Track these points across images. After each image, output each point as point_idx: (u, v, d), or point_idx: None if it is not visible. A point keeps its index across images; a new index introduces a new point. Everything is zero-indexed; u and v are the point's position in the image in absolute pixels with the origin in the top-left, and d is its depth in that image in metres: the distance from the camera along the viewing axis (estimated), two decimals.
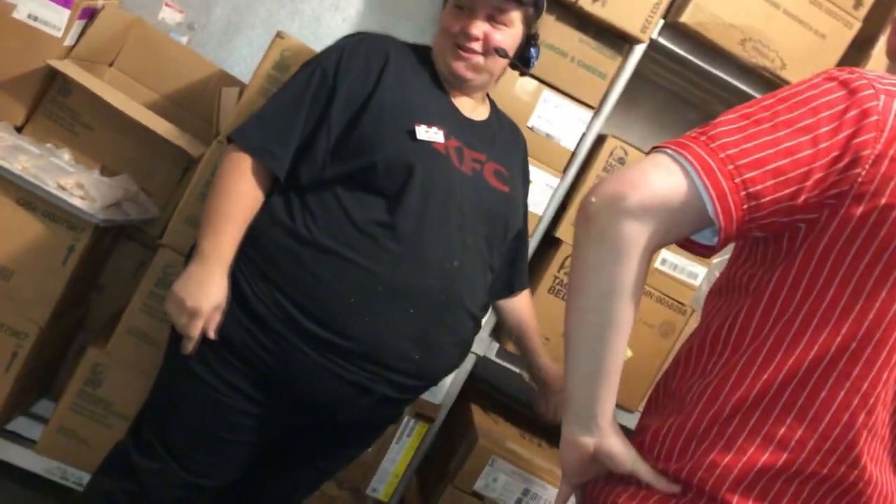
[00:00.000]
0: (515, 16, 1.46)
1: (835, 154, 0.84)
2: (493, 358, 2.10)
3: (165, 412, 1.39)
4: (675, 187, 0.85)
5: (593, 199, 0.87)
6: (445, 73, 1.49)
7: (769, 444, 0.87)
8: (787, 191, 0.84)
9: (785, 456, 0.87)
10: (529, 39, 1.52)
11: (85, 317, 2.07)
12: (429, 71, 1.50)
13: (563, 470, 0.99)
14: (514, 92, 1.95)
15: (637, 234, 0.85)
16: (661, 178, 0.85)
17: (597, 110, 2.00)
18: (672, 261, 2.03)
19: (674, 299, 2.05)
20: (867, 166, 0.84)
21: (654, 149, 0.90)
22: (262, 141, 1.36)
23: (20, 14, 1.83)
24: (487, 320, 2.04)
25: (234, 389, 1.32)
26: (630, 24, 1.89)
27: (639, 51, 1.98)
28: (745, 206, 0.85)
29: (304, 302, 1.28)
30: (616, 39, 1.96)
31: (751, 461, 0.87)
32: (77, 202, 1.66)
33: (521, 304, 1.70)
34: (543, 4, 1.51)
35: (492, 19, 1.44)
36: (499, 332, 2.11)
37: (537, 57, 1.56)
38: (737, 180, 0.84)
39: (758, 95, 2.05)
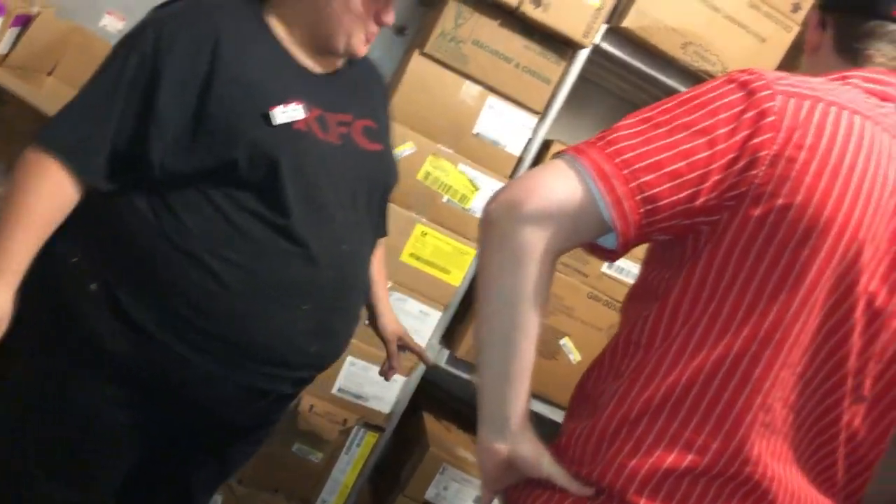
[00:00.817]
0: None
1: (732, 156, 0.84)
2: (444, 365, 2.09)
3: (36, 431, 1.27)
4: (571, 193, 0.85)
5: (492, 207, 0.87)
6: (335, 49, 1.33)
7: (675, 445, 0.88)
8: (684, 193, 0.85)
9: (690, 457, 0.87)
10: None
11: None
12: (265, 31, 1.31)
13: (482, 476, 0.98)
14: (459, 97, 1.95)
15: (536, 239, 0.85)
16: (558, 184, 0.85)
17: (542, 116, 2.00)
18: (619, 264, 2.03)
19: (622, 303, 2.05)
20: (764, 167, 0.84)
21: (556, 154, 0.90)
22: (69, 139, 1.20)
23: None
24: (438, 324, 2.03)
25: (118, 405, 1.24)
26: (572, 29, 1.90)
27: (582, 55, 1.98)
28: (642, 210, 0.84)
29: (188, 312, 1.20)
30: (560, 44, 1.96)
31: (657, 463, 0.87)
32: None
33: (376, 254, 1.60)
34: None
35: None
36: (449, 338, 2.10)
37: None
38: (632, 185, 0.84)
39: None
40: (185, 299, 1.20)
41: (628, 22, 1.91)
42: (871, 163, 0.86)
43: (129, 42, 1.24)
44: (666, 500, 0.87)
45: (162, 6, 1.30)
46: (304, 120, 1.26)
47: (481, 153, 1.98)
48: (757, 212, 0.85)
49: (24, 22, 1.90)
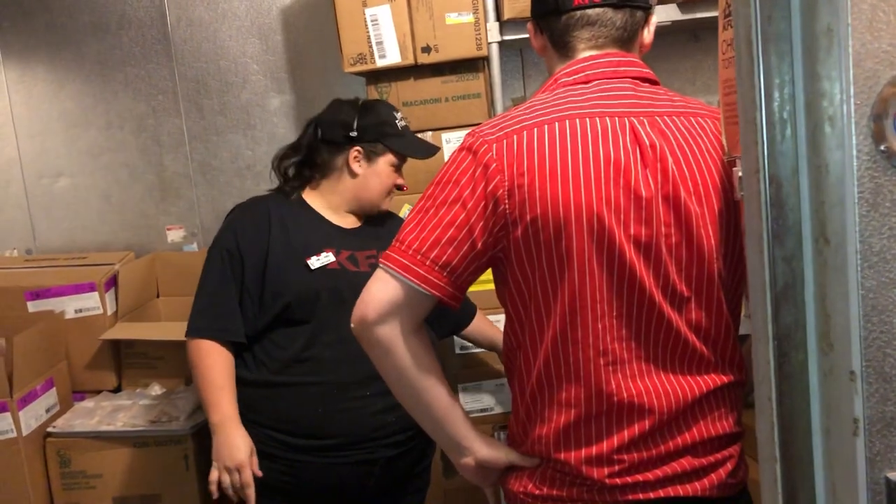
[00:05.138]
0: None
1: (482, 205, 1.11)
2: None
3: None
4: (393, 291, 1.14)
5: (353, 326, 1.18)
6: (369, 209, 1.90)
7: (561, 408, 1.15)
8: (465, 248, 1.12)
9: (573, 411, 1.14)
10: None
11: None
12: (303, 206, 1.87)
13: (475, 481, 1.30)
14: None
15: (389, 333, 1.15)
16: (382, 290, 1.15)
17: None
18: None
19: None
20: (507, 201, 1.10)
21: (379, 262, 1.19)
22: (213, 323, 1.76)
23: (69, 313, 2.39)
24: None
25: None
26: (467, 51, 2.15)
27: (495, 58, 2.21)
28: (445, 274, 1.13)
29: (291, 428, 1.73)
30: (467, 64, 2.21)
31: (556, 425, 1.15)
32: (167, 427, 2.17)
33: (479, 322, 2.05)
34: None
35: None
36: None
37: None
38: (427, 263, 1.13)
39: None
40: (285, 419, 1.75)
41: (507, 13, 2.13)
42: (578, 151, 1.10)
43: (219, 245, 1.81)
44: (575, 447, 1.15)
45: (234, 209, 1.89)
46: (336, 261, 1.79)
47: None
48: (519, 232, 1.12)
49: (114, 280, 2.47)
